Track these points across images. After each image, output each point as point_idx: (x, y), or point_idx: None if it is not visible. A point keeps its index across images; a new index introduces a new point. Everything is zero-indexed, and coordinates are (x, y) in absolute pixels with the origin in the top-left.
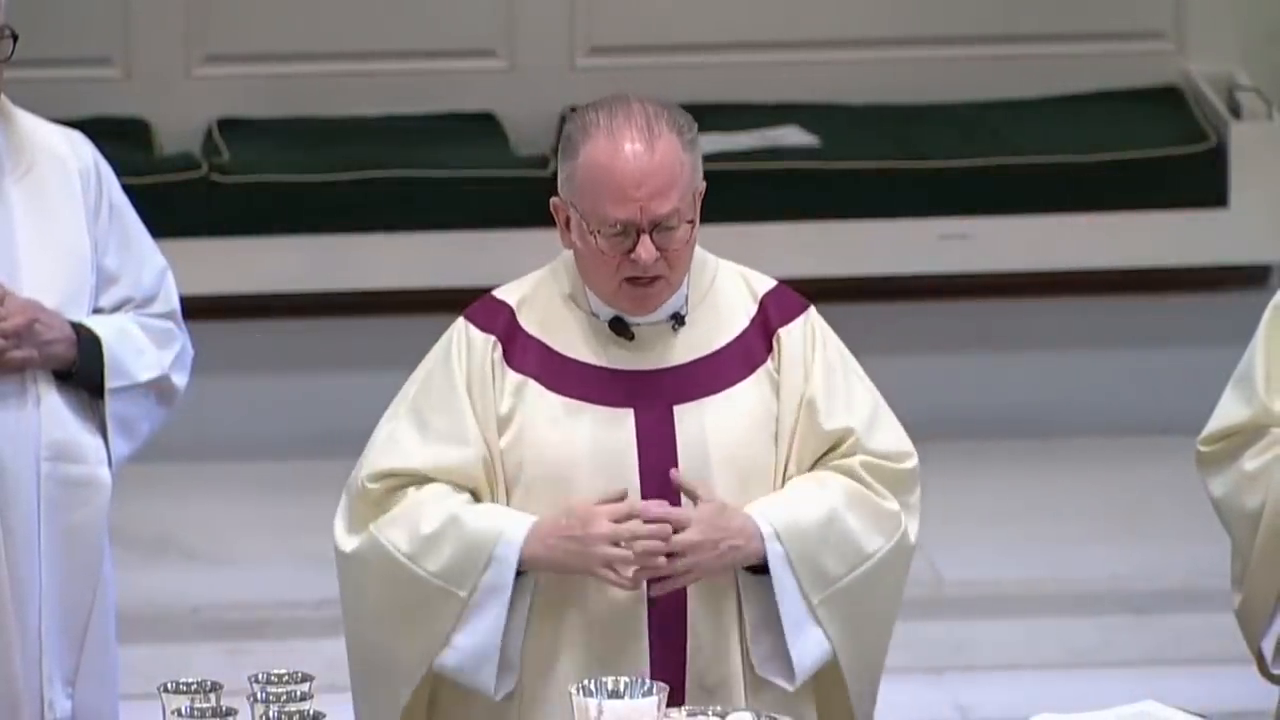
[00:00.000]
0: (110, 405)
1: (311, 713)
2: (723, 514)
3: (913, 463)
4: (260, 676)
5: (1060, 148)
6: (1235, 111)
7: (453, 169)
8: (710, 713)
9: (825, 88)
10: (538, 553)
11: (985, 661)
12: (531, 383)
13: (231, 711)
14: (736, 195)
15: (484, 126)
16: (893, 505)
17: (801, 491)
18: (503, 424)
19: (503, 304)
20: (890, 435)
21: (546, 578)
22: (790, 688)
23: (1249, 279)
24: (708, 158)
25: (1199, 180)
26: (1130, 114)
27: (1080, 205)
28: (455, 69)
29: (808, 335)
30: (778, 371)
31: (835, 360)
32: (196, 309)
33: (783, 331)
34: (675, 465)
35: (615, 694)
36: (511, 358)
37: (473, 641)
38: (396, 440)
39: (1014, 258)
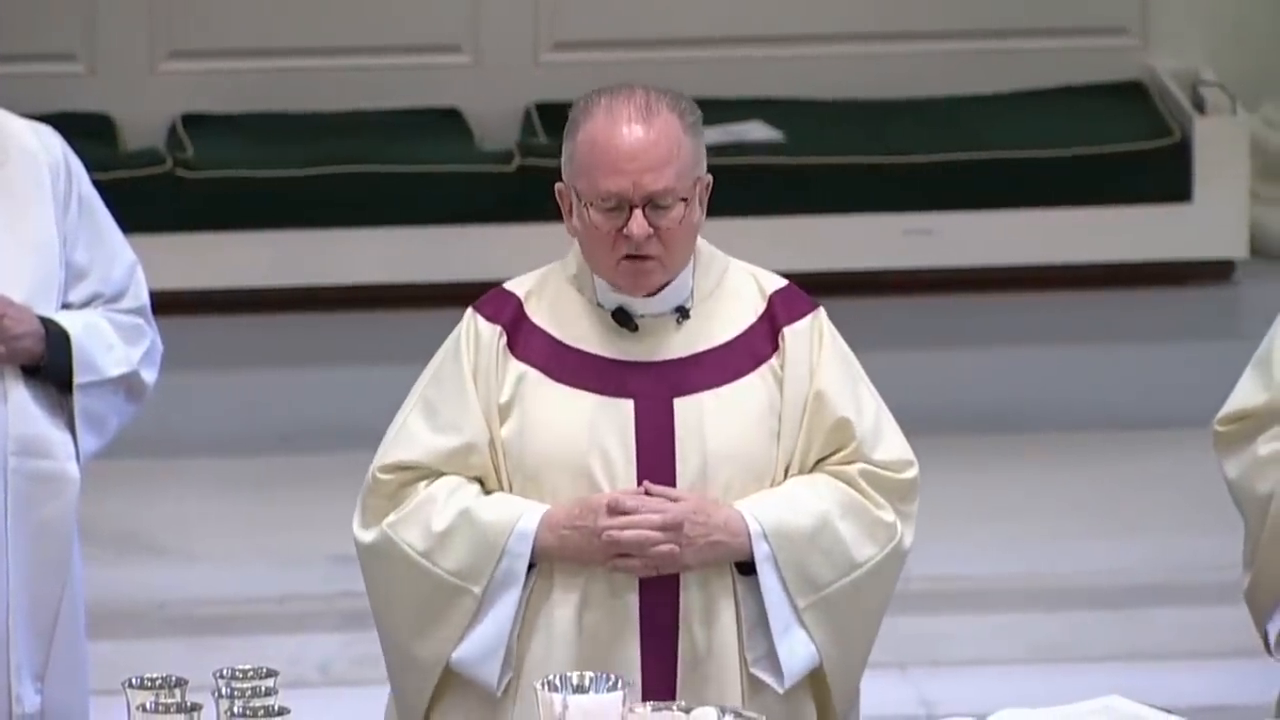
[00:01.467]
0: (78, 401)
1: (276, 708)
2: (709, 505)
3: (913, 472)
4: (225, 672)
5: (1025, 143)
6: (1199, 107)
7: (418, 164)
8: (674, 707)
9: (790, 83)
10: (549, 543)
11: (952, 657)
12: (532, 371)
13: (196, 707)
14: None
15: (449, 122)
16: (888, 515)
17: (795, 493)
18: (504, 412)
19: (511, 294)
20: (893, 443)
21: (540, 577)
22: (779, 689)
23: (1213, 274)
24: None
25: (1163, 175)
26: (1095, 109)
27: (1045, 200)
28: (421, 64)
29: (815, 334)
30: (782, 369)
31: (844, 360)
32: (162, 304)
33: (788, 330)
34: (673, 456)
35: (580, 689)
36: (515, 347)
37: (483, 636)
38: (407, 432)
39: (979, 253)
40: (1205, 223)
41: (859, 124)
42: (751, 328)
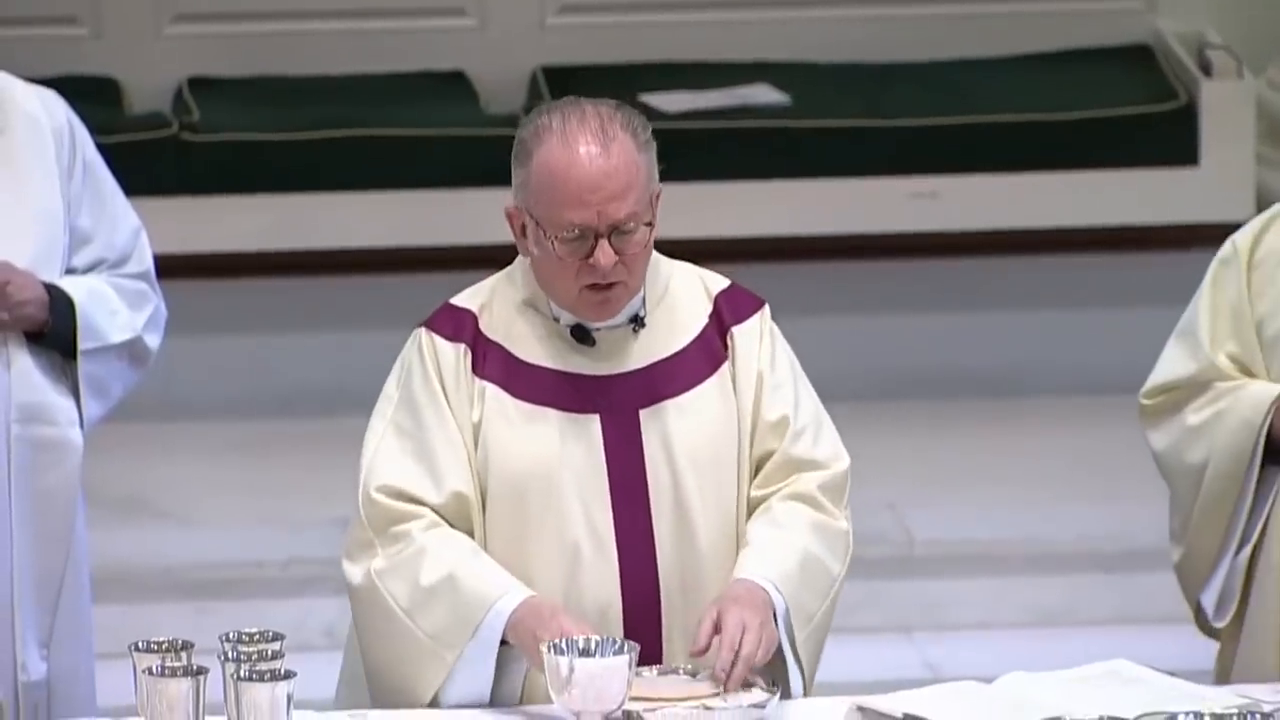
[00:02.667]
0: (82, 367)
1: (282, 671)
2: (735, 607)
3: (847, 463)
4: (231, 635)
5: (1030, 106)
6: (1206, 70)
7: (423, 127)
8: (680, 670)
9: (796, 46)
10: (515, 634)
11: (955, 621)
12: (493, 388)
13: (202, 670)
14: (706, 153)
15: (454, 85)
16: (843, 524)
17: (772, 540)
18: (475, 431)
19: (465, 310)
20: (829, 439)
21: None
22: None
23: (1219, 237)
24: (678, 116)
25: (1169, 139)
26: (1101, 72)
27: (1050, 164)
28: (426, 27)
29: (761, 331)
30: (734, 369)
31: (786, 356)
32: (166, 268)
33: (736, 330)
34: (643, 468)
35: (586, 653)
36: (475, 364)
37: (461, 691)
38: (384, 455)
39: (983, 216)
40: (1211, 186)
41: (865, 87)
42: (703, 331)
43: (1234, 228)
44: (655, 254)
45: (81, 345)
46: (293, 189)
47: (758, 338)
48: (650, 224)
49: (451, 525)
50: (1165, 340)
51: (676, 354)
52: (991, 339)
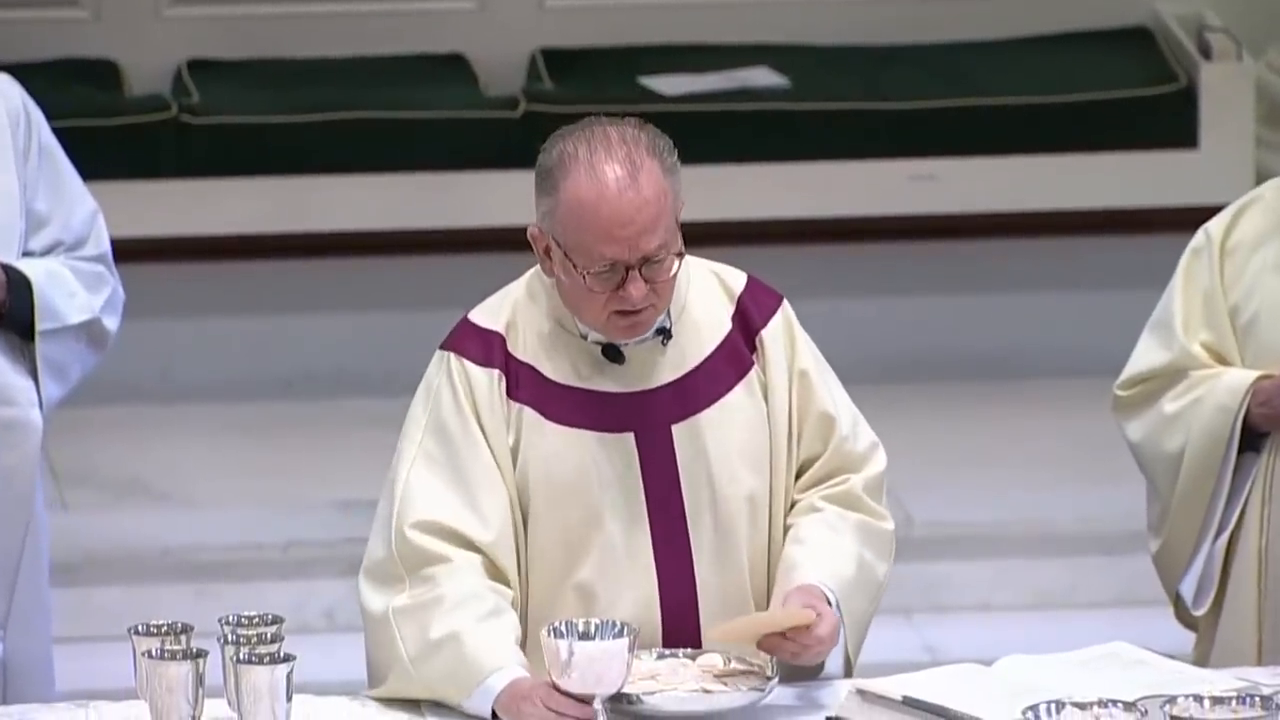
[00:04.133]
0: (41, 348)
1: (282, 654)
2: (807, 601)
3: (883, 459)
4: (230, 618)
5: (1030, 89)
6: (1205, 52)
7: (422, 110)
8: (680, 654)
9: (795, 28)
10: (502, 711)
11: (955, 603)
12: (528, 410)
13: (201, 653)
14: (705, 136)
15: (454, 67)
16: (888, 525)
17: (829, 545)
18: (513, 454)
19: (492, 333)
20: (866, 430)
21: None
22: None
23: None
24: (678, 99)
25: (1169, 121)
26: (1100, 55)
27: (1050, 146)
28: (425, 9)
29: (786, 330)
30: (764, 373)
31: (813, 348)
32: (166, 250)
33: (765, 334)
34: (678, 484)
35: (586, 636)
36: (509, 387)
37: None
38: (415, 486)
39: (983, 199)
40: (1211, 168)
41: (865, 70)
42: (728, 336)
43: None
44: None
45: (40, 326)
46: (292, 171)
47: (785, 337)
48: (680, 254)
49: (492, 558)
50: None
51: (703, 363)
52: (991, 321)
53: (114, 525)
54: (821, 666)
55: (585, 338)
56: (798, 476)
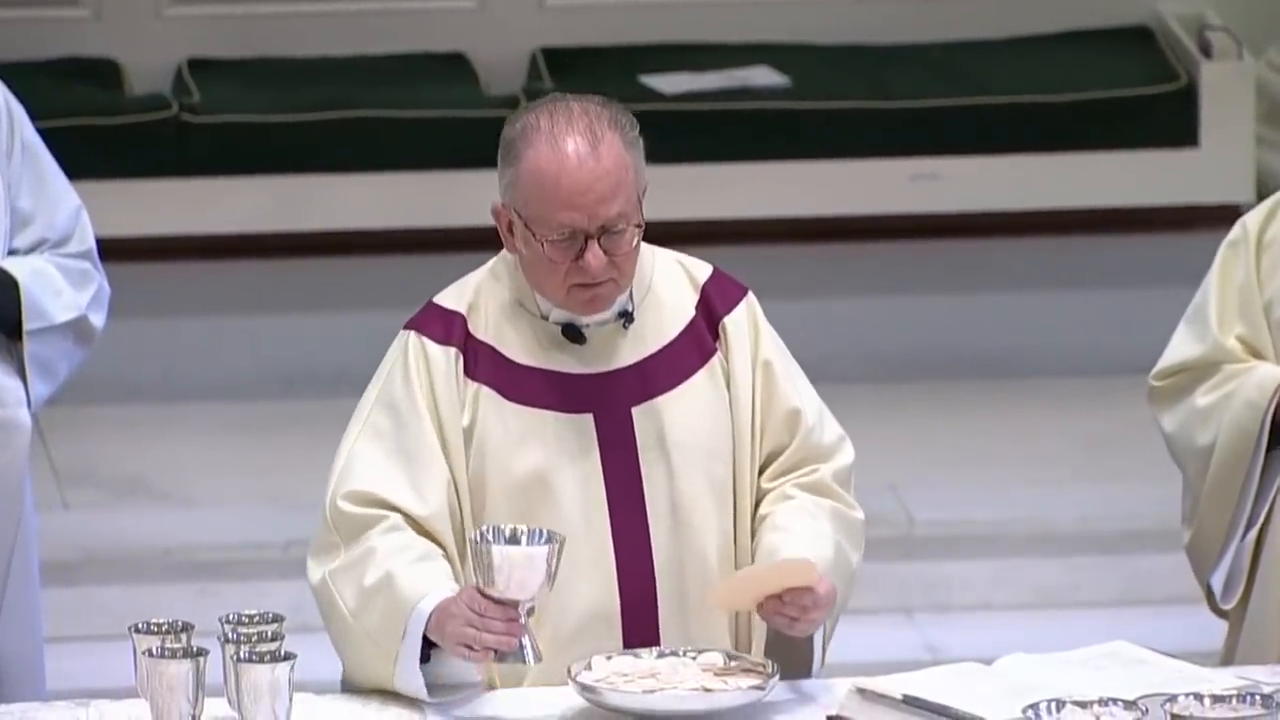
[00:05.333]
0: (28, 347)
1: (282, 652)
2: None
3: (850, 452)
4: (231, 617)
5: (1031, 87)
6: (1206, 51)
7: (422, 109)
8: (681, 653)
9: (796, 27)
10: (436, 635)
11: (956, 602)
12: (486, 390)
13: (202, 652)
14: (706, 135)
15: (454, 66)
16: (859, 514)
17: (808, 529)
18: (466, 436)
19: (453, 313)
20: (833, 423)
21: None
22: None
23: (1219, 218)
24: (677, 98)
25: (1170, 120)
26: (1101, 54)
27: (1051, 145)
28: (425, 8)
29: (750, 320)
30: (727, 360)
31: (778, 342)
32: (167, 249)
33: (728, 320)
34: (638, 466)
35: (513, 540)
36: (467, 367)
37: (406, 687)
38: (356, 458)
39: (985, 198)
40: (1211, 167)
41: (865, 69)
42: (692, 323)
43: (1234, 209)
44: (642, 247)
45: (27, 325)
46: (293, 170)
47: (749, 326)
48: (640, 225)
49: (430, 531)
50: (1165, 320)
51: (665, 347)
52: (992, 320)
53: (115, 524)
54: (810, 660)
55: (546, 318)
56: (764, 468)
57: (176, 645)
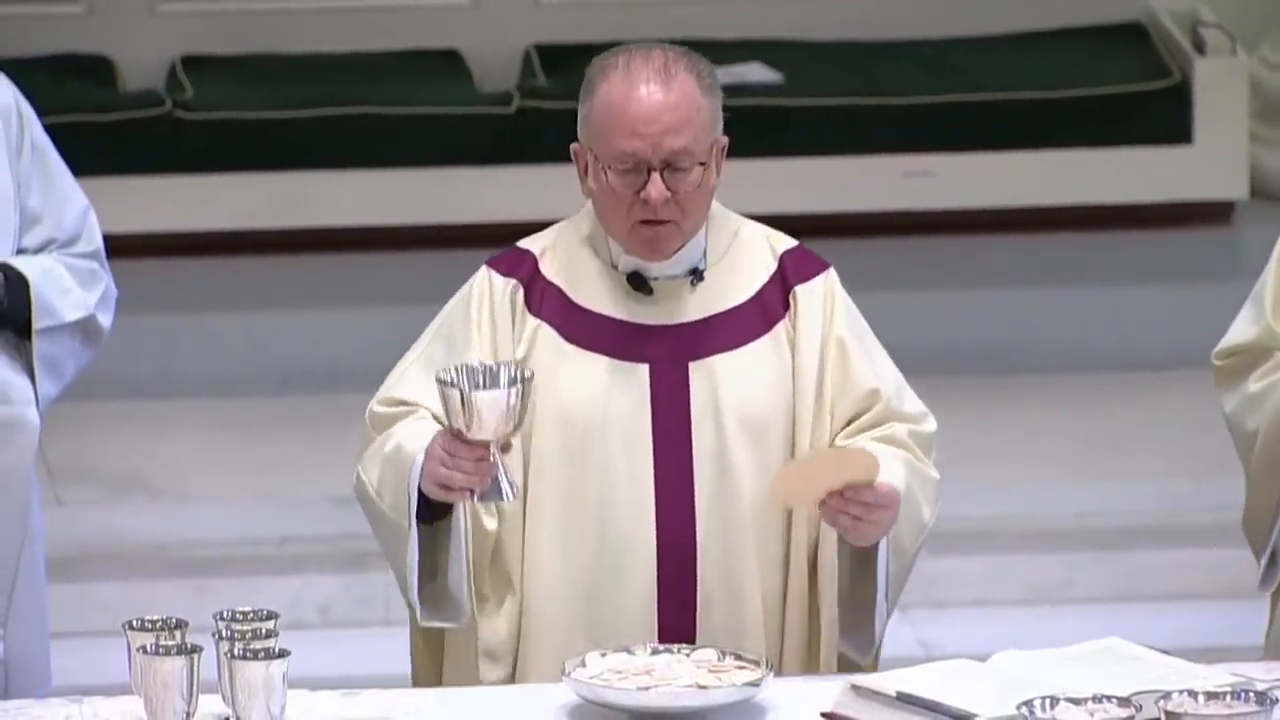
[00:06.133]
0: (37, 345)
1: (276, 649)
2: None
3: (933, 424)
4: (225, 614)
5: (1025, 84)
6: (1199, 48)
7: (417, 105)
8: (675, 650)
9: (789, 24)
10: (423, 475)
11: (950, 598)
12: (546, 328)
13: (196, 649)
14: None
15: (448, 63)
16: (934, 473)
17: (875, 450)
18: (527, 358)
19: (526, 251)
20: (914, 398)
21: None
22: (863, 660)
23: (1213, 215)
24: None
25: (1163, 117)
26: (1095, 50)
27: (1045, 142)
28: (420, 5)
29: (827, 294)
30: (794, 328)
31: (857, 318)
32: (161, 246)
33: (800, 289)
34: (689, 421)
35: (478, 385)
36: (531, 302)
37: (414, 572)
38: (404, 375)
39: (979, 194)
40: (1205, 164)
41: (859, 65)
42: (764, 288)
43: (1228, 205)
44: (725, 209)
45: (36, 324)
46: (287, 167)
47: (823, 299)
48: (705, 164)
49: None
50: (1160, 316)
51: (733, 309)
52: (986, 317)
53: (110, 521)
54: (871, 642)
55: (616, 266)
56: (843, 428)
57: (171, 642)
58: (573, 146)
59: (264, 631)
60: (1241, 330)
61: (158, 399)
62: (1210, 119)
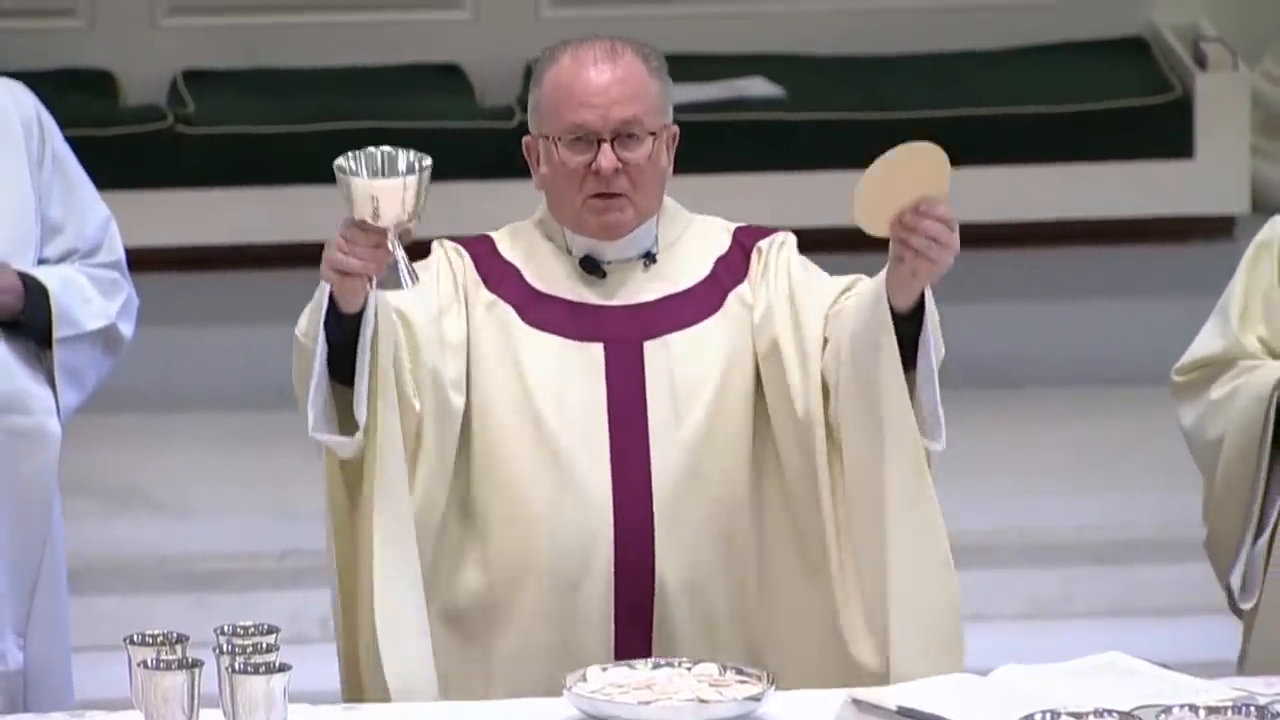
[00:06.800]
0: (58, 355)
1: (277, 664)
2: None
3: None
4: (226, 628)
5: (1026, 98)
6: (1200, 62)
7: (419, 120)
8: (676, 664)
9: (791, 38)
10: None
11: None
12: (503, 304)
13: (197, 663)
14: (702, 146)
15: (450, 77)
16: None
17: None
18: (473, 338)
19: (483, 235)
20: None
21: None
22: (940, 446)
23: (1215, 229)
24: (674, 109)
25: (1165, 131)
26: (1096, 65)
27: (1046, 156)
28: (421, 20)
29: (788, 246)
30: (760, 275)
31: (810, 268)
32: (162, 260)
33: (763, 243)
34: (644, 401)
35: (377, 172)
36: (488, 279)
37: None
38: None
39: (980, 208)
40: (1206, 178)
41: (859, 80)
42: (718, 263)
43: (1229, 220)
44: (677, 205)
45: (57, 334)
46: (288, 181)
47: (785, 248)
48: (656, 135)
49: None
50: (1161, 330)
51: (688, 290)
52: (988, 331)
53: (110, 534)
54: (921, 323)
55: (570, 252)
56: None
57: (172, 656)
58: (524, 140)
59: (265, 646)
60: (1205, 344)
61: (158, 412)
62: (1212, 133)
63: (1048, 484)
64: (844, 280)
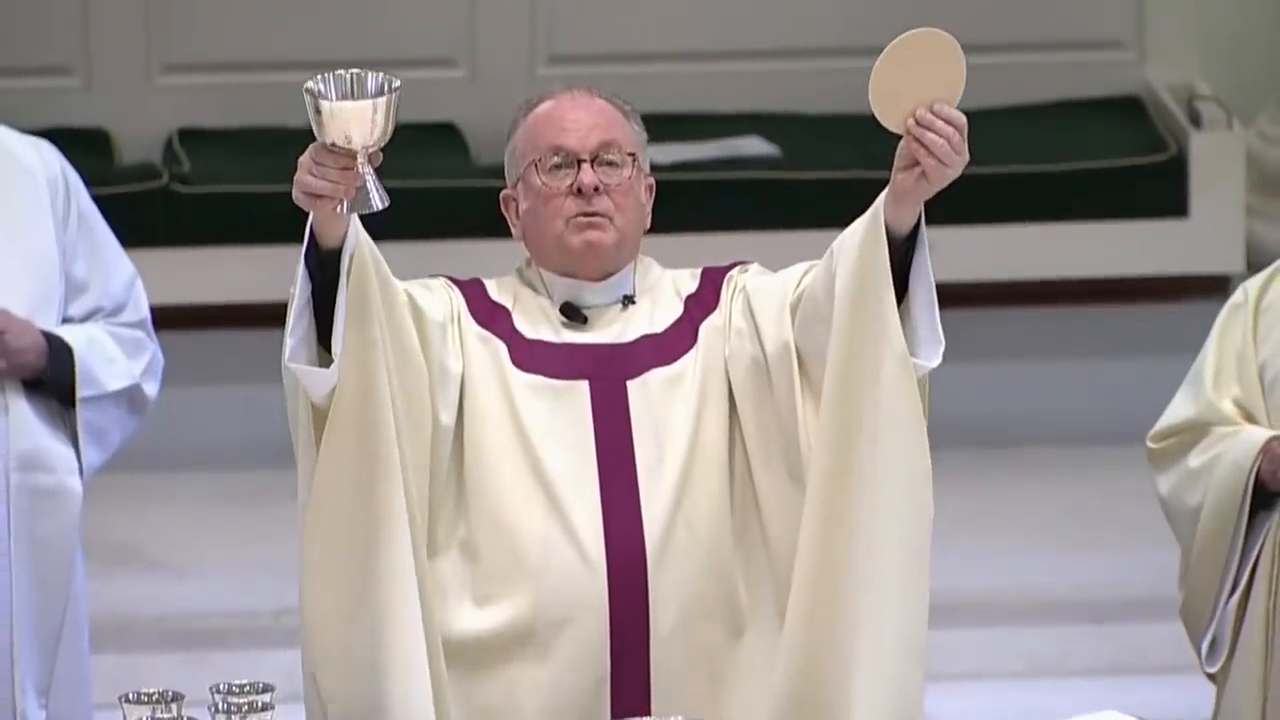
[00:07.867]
0: (81, 414)
1: None
2: None
3: None
4: (221, 686)
5: (1021, 157)
6: (1195, 121)
7: (413, 179)
8: None
9: (787, 97)
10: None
11: (946, 671)
12: (496, 341)
13: None
14: (697, 205)
15: (444, 136)
16: None
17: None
18: (468, 370)
19: (473, 279)
20: None
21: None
22: (936, 362)
23: (1209, 288)
24: (669, 168)
25: (1160, 190)
26: (1091, 123)
27: (1041, 215)
28: (416, 78)
29: (754, 268)
30: (731, 299)
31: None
32: (158, 319)
33: (733, 271)
34: (630, 438)
35: (345, 95)
36: (478, 315)
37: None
38: None
39: (975, 267)
40: (1201, 237)
41: (856, 139)
42: (691, 297)
43: (1224, 279)
44: (650, 260)
45: (80, 393)
46: (283, 240)
47: (755, 271)
48: (635, 160)
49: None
50: (1155, 390)
51: (666, 330)
52: (982, 389)
53: (106, 593)
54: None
55: (550, 298)
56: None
57: (168, 715)
58: (503, 194)
59: (260, 704)
60: (1179, 410)
61: (155, 471)
62: (1206, 192)
63: (1043, 542)
64: (801, 266)
